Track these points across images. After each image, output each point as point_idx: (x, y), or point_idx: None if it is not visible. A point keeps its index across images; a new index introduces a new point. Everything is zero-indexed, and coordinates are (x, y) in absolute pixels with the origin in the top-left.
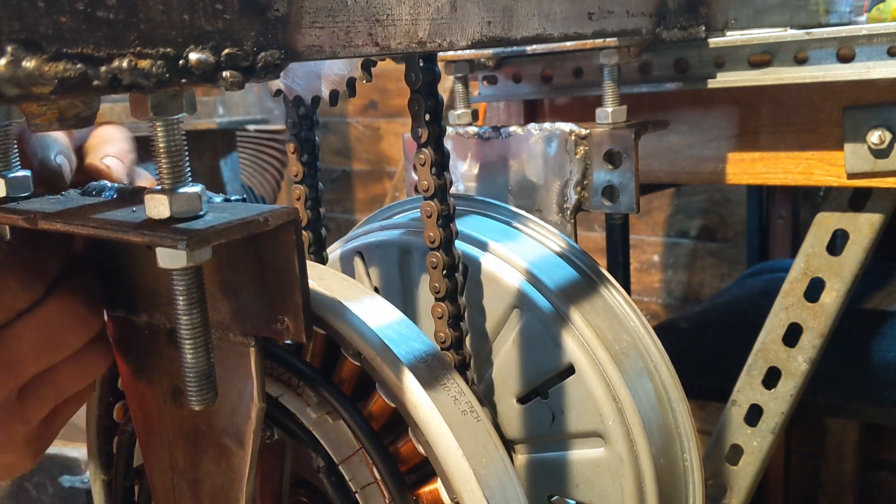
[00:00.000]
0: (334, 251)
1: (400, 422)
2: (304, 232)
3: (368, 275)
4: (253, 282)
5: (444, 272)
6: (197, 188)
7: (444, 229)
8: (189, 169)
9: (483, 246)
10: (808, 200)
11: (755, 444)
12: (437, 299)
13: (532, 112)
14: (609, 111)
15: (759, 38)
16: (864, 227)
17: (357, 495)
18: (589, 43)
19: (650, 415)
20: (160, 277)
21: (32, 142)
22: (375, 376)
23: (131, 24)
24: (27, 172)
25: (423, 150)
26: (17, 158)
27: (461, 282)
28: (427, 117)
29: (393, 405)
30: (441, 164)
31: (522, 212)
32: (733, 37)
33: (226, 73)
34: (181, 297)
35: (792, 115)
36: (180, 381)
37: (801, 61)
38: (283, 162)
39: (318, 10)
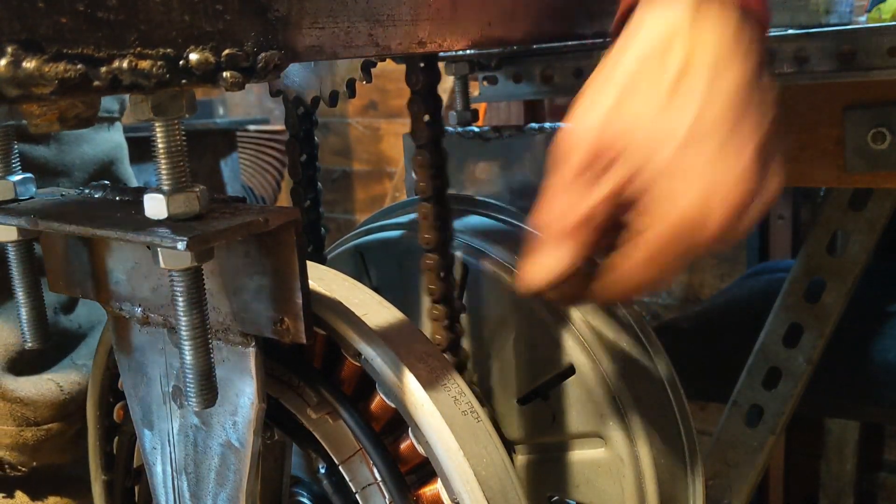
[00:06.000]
0: (334, 251)
1: (400, 422)
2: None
3: (368, 275)
4: (253, 282)
5: (440, 274)
6: (197, 189)
7: (441, 231)
8: (189, 169)
9: (483, 247)
10: (808, 200)
11: (755, 444)
12: (433, 301)
13: (532, 112)
14: None
15: None
16: (864, 227)
17: (357, 496)
18: (589, 43)
19: (651, 415)
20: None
21: None
22: (375, 376)
23: (131, 25)
24: (30, 175)
25: (422, 151)
26: (18, 160)
27: (457, 284)
28: (426, 118)
29: (393, 406)
30: (439, 165)
31: (523, 212)
32: None
33: (226, 74)
34: (181, 298)
35: (792, 115)
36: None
37: (801, 61)
38: (283, 162)
39: (319, 11)
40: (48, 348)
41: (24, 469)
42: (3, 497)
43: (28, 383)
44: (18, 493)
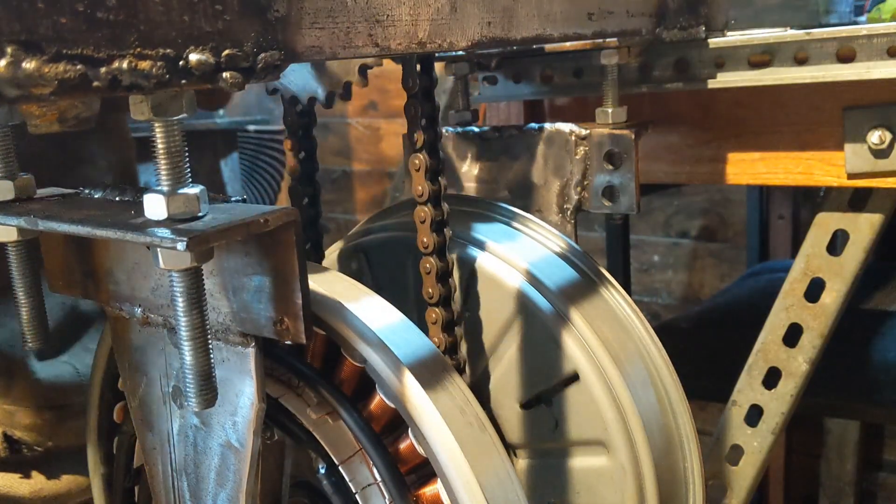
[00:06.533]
0: (335, 251)
1: (400, 422)
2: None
3: (369, 275)
4: (253, 282)
5: (437, 277)
6: (197, 189)
7: (438, 234)
8: (189, 170)
9: (483, 247)
10: (808, 200)
11: (755, 444)
12: (430, 304)
13: (532, 112)
14: (609, 111)
15: (759, 39)
16: (864, 227)
17: (357, 496)
18: (589, 43)
19: (652, 420)
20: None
21: None
22: (376, 377)
23: (131, 25)
24: (30, 175)
25: (418, 154)
26: (16, 160)
27: (455, 287)
28: (423, 122)
29: (393, 406)
30: (435, 169)
31: (523, 212)
32: (733, 37)
33: (226, 74)
34: (181, 298)
35: (792, 115)
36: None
37: (801, 61)
38: (283, 162)
39: (318, 11)
40: (66, 332)
41: (40, 450)
42: (21, 477)
43: (49, 366)
44: (35, 474)
